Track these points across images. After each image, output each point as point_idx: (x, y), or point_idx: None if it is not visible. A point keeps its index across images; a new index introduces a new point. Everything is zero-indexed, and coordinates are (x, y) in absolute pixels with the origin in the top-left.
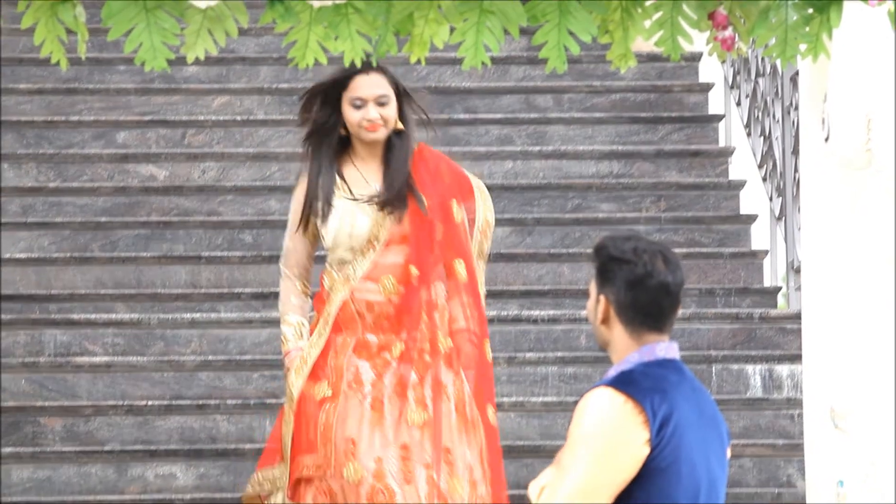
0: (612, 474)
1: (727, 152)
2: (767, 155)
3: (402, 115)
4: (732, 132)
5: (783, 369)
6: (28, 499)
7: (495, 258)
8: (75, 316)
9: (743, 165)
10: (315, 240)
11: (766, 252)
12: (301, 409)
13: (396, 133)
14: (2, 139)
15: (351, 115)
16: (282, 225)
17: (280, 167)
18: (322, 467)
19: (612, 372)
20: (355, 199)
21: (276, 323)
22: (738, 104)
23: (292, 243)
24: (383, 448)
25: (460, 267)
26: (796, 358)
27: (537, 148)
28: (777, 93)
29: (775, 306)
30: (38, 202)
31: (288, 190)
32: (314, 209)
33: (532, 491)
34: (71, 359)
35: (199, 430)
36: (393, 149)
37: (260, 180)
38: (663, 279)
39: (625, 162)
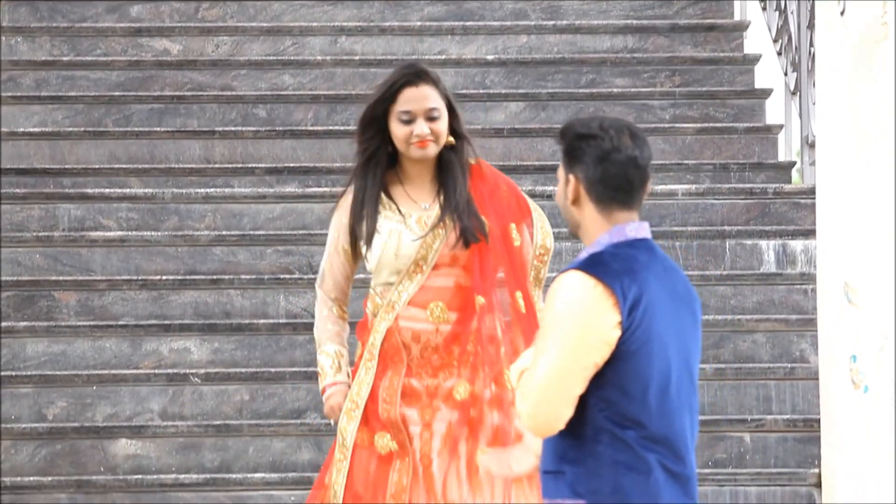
0: (585, 357)
1: (742, 26)
2: (783, 29)
3: (453, 130)
4: (747, 6)
5: (797, 244)
6: (43, 372)
7: (509, 133)
8: (89, 190)
9: (758, 40)
10: (355, 262)
11: (780, 127)
12: (356, 458)
13: (449, 148)
14: (16, 12)
15: (398, 130)
16: (295, 100)
17: (294, 41)
18: None
19: (583, 254)
20: (403, 218)
21: (290, 198)
22: None
23: (329, 264)
24: None
25: (519, 300)
26: (810, 233)
27: (552, 22)
28: None
29: (789, 181)
30: (52, 76)
31: (301, 64)
32: (358, 231)
33: (512, 375)
34: (85, 233)
35: (214, 305)
36: (447, 166)
37: (274, 55)
38: (631, 153)
39: (639, 36)
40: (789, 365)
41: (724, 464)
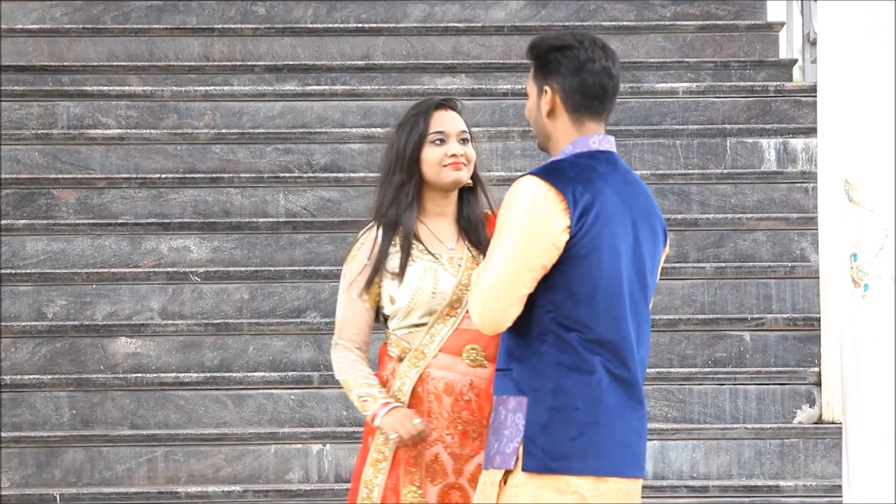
0: (534, 258)
1: None
2: None
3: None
4: None
5: (798, 142)
6: (42, 270)
7: (510, 31)
8: (88, 88)
9: None
10: (376, 309)
11: (782, 24)
12: None
13: (468, 189)
14: None
15: (431, 153)
16: None
17: None
18: None
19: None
20: (434, 257)
21: (289, 96)
22: None
23: (351, 311)
24: None
25: None
26: (811, 131)
27: None
28: None
29: (791, 79)
30: None
31: None
32: (385, 268)
33: (474, 277)
34: (84, 131)
35: (213, 204)
36: (467, 206)
37: None
38: (605, 63)
39: None
40: (789, 264)
41: (723, 363)
